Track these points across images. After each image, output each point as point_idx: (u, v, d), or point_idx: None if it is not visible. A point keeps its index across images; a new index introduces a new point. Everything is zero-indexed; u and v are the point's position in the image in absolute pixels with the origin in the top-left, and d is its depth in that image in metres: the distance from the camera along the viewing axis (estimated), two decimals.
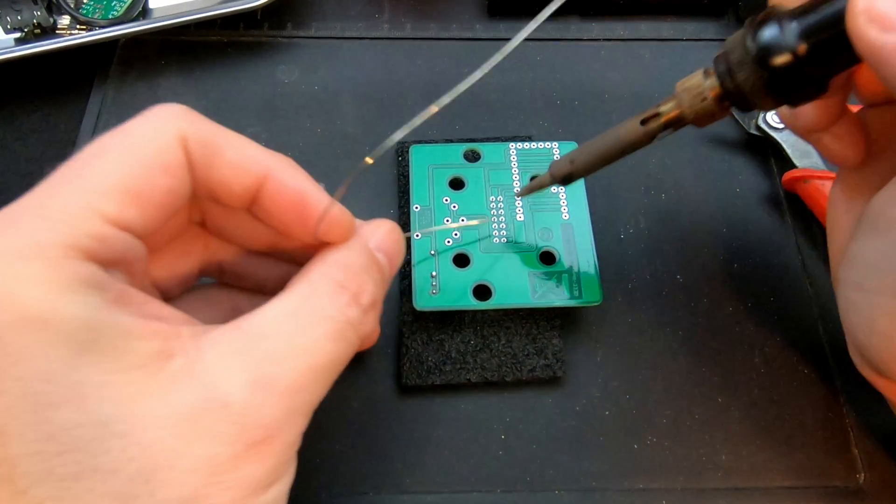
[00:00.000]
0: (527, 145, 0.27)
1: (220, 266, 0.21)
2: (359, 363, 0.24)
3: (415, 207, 0.25)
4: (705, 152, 0.29)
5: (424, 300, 0.23)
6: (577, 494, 0.23)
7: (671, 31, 0.33)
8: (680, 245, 0.27)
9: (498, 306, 0.23)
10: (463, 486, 0.23)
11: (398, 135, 0.18)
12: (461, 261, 0.24)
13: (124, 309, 0.15)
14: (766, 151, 0.30)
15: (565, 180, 0.22)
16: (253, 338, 0.16)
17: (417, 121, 0.18)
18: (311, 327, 0.16)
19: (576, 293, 0.24)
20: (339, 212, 0.18)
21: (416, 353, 0.24)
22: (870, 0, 0.15)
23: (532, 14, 0.32)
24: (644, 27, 0.33)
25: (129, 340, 0.14)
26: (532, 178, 0.26)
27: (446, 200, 0.25)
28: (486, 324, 0.24)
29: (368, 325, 0.18)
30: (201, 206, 0.19)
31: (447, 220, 0.25)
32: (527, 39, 0.32)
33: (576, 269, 0.24)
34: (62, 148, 0.29)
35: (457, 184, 0.26)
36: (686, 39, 0.32)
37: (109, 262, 0.15)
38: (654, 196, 0.28)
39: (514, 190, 0.26)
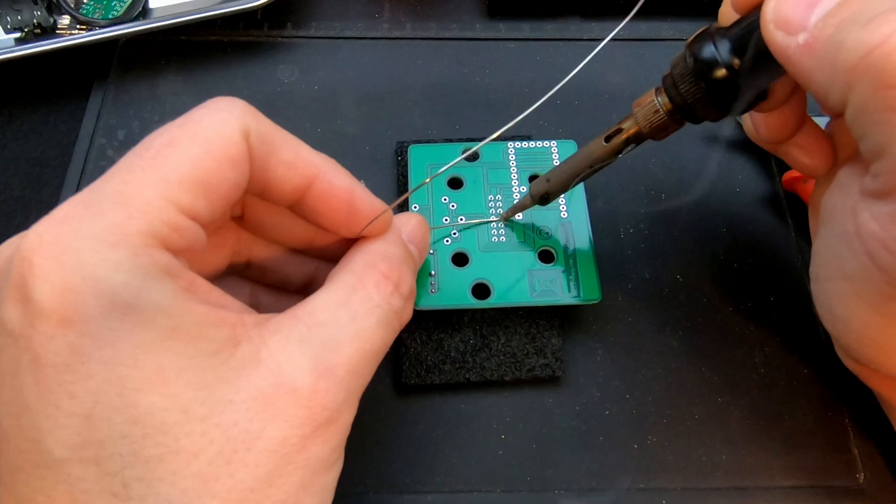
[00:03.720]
0: (525, 144, 0.27)
1: (249, 260, 0.21)
2: None
3: (413, 207, 0.25)
4: (705, 152, 0.29)
5: (423, 299, 0.23)
6: (577, 494, 0.23)
7: (671, 31, 0.33)
8: (680, 245, 0.27)
9: (497, 305, 0.23)
10: (463, 485, 0.23)
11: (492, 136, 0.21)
12: (460, 260, 0.24)
13: (194, 297, 0.16)
14: (766, 151, 0.30)
15: (543, 199, 0.23)
16: (311, 325, 0.16)
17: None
18: (363, 316, 0.17)
19: (575, 291, 0.24)
20: (383, 215, 0.19)
21: (416, 353, 0.24)
22: (775, 8, 0.17)
23: (532, 14, 0.32)
24: (644, 27, 0.33)
25: (202, 328, 0.15)
26: (530, 178, 0.26)
27: (445, 200, 0.25)
28: (485, 323, 0.24)
29: (408, 312, 0.19)
30: (244, 200, 0.20)
31: (445, 220, 0.25)
32: (526, 39, 0.32)
33: (574, 268, 0.24)
34: (62, 148, 0.29)
35: (455, 183, 0.26)
36: (686, 39, 0.32)
37: (179, 251, 0.16)
38: (654, 196, 0.28)
39: (513, 189, 0.26)
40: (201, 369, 0.15)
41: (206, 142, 0.16)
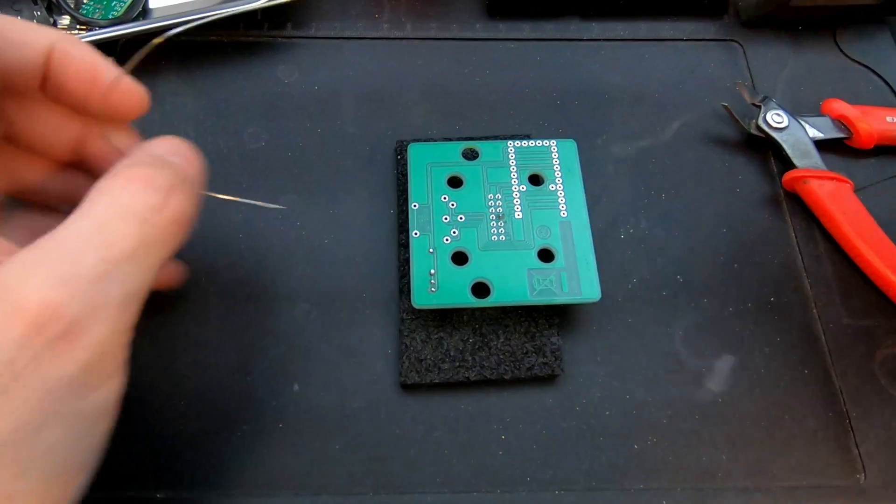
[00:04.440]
0: (525, 143, 0.27)
1: (24, 183, 0.21)
2: (357, 361, 0.24)
3: (413, 206, 0.25)
4: (705, 152, 0.29)
5: (423, 298, 0.23)
6: (577, 494, 0.23)
7: (671, 31, 0.33)
8: (680, 245, 0.27)
9: (496, 304, 0.23)
10: (463, 485, 0.23)
11: None
12: (459, 258, 0.24)
13: None
14: (766, 151, 0.30)
15: None
16: (51, 247, 0.15)
17: None
18: (108, 221, 0.16)
19: (574, 290, 0.24)
20: (129, 82, 0.19)
21: (415, 351, 0.24)
22: None
23: (532, 14, 0.33)
24: (644, 27, 0.33)
25: None
26: (530, 177, 0.26)
27: (444, 199, 0.25)
28: (484, 322, 0.24)
29: (175, 206, 0.17)
30: (3, 113, 0.20)
31: (445, 219, 0.25)
32: (526, 39, 0.32)
33: (574, 267, 0.24)
34: None
35: (455, 182, 0.26)
36: (686, 39, 0.32)
37: None
38: (654, 196, 0.28)
39: (513, 187, 0.26)
40: None
41: None
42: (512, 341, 0.24)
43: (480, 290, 0.24)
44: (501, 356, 0.24)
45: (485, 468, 0.23)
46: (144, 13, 0.30)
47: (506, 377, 0.24)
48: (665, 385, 0.24)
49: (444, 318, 0.24)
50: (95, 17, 0.30)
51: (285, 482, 0.22)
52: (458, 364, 0.24)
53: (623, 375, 0.25)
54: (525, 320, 0.24)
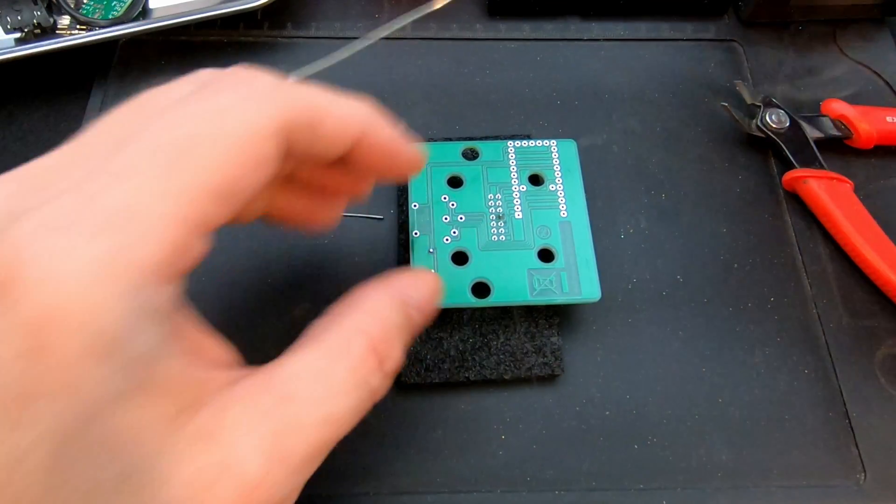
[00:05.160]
0: (525, 143, 0.27)
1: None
2: None
3: (413, 206, 0.25)
4: (705, 152, 0.29)
5: None
6: (577, 494, 0.23)
7: (671, 31, 0.33)
8: (680, 245, 0.27)
9: (496, 304, 0.23)
10: (463, 486, 0.23)
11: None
12: (460, 258, 0.24)
13: (176, 345, 0.14)
14: (766, 151, 0.30)
15: None
16: (279, 398, 0.15)
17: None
18: (338, 394, 0.16)
19: (574, 290, 0.24)
20: (417, 152, 0.19)
21: (415, 352, 0.24)
22: None
23: (532, 14, 0.33)
24: (644, 27, 0.33)
25: (172, 385, 0.14)
26: (530, 177, 0.26)
27: (445, 199, 0.25)
28: (484, 322, 0.24)
29: (384, 391, 0.17)
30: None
31: (445, 219, 0.25)
32: (526, 39, 0.32)
33: (574, 267, 0.24)
34: None
35: (455, 182, 0.26)
36: (686, 39, 0.32)
37: (183, 271, 0.14)
38: (654, 196, 0.28)
39: (513, 187, 0.26)
40: (155, 434, 0.14)
41: (233, 144, 0.14)
42: (512, 341, 0.24)
43: (480, 290, 0.24)
44: (501, 356, 0.24)
45: (485, 468, 0.23)
46: (144, 13, 0.30)
47: (506, 377, 0.24)
48: (665, 385, 0.24)
49: (444, 318, 0.24)
50: (95, 17, 0.30)
51: None
52: (458, 364, 0.24)
53: (623, 375, 0.25)
54: (525, 320, 0.24)
